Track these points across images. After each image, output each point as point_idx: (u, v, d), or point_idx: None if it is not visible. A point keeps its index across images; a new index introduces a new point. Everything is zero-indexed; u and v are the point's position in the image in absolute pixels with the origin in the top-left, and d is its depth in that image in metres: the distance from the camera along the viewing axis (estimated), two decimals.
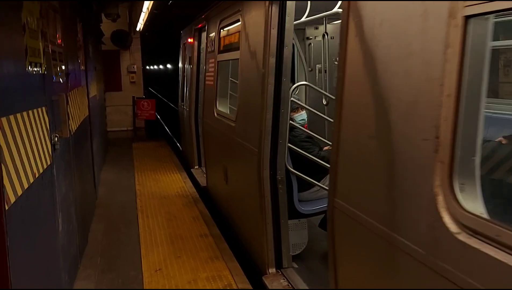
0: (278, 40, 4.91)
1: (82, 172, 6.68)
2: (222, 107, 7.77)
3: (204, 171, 10.37)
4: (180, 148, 14.55)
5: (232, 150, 6.60)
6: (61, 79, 5.00)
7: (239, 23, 6.29)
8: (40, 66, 3.87)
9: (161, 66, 40.44)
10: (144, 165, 12.14)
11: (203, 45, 10.85)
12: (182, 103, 12.72)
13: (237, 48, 6.31)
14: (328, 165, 5.17)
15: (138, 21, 15.47)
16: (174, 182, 10.26)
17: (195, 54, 10.93)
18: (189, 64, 11.46)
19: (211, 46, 8.34)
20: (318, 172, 5.65)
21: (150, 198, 8.98)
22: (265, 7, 4.98)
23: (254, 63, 5.46)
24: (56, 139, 4.19)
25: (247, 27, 5.81)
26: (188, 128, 11.51)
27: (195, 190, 9.47)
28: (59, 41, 5.05)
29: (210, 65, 8.33)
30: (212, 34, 8.22)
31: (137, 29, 16.51)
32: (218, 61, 7.77)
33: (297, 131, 5.54)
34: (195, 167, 11.23)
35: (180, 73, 13.67)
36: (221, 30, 7.56)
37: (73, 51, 6.38)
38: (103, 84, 15.40)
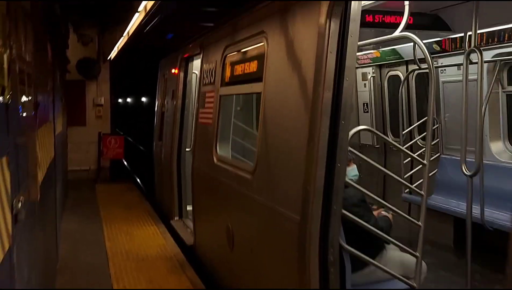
0: (336, 68, 3.66)
1: (46, 234, 5.13)
2: (226, 152, 6.42)
3: (189, 226, 8.89)
4: (149, 192, 13.08)
5: (245, 210, 5.23)
6: (28, 112, 3.55)
7: (261, 47, 5.04)
8: (3, 92, 2.45)
9: (131, 101, 38.62)
10: (113, 214, 10.51)
11: (190, 77, 9.61)
12: (160, 142, 11.27)
13: (258, 79, 5.03)
14: (388, 237, 3.95)
15: (109, 48, 14.06)
16: (152, 238, 8.70)
17: (181, 87, 9.60)
18: (172, 98, 10.09)
19: (209, 77, 7.03)
20: (372, 246, 4.36)
21: (125, 260, 7.40)
22: (318, 25, 3.75)
23: (293, 99, 4.18)
24: (19, 205, 2.72)
25: (277, 52, 4.56)
26: (168, 173, 10.05)
27: (179, 250, 7.95)
28: (28, 58, 3.61)
29: (208, 100, 7.00)
30: (212, 64, 6.93)
31: (108, 57, 15.06)
32: (221, 96, 6.45)
33: (348, 191, 4.23)
34: (175, 218, 9.72)
35: (157, 108, 12.26)
36: (227, 58, 6.29)
37: (43, 74, 4.95)
38: (65, 118, 13.79)
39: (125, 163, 18.46)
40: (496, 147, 7.86)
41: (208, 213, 6.93)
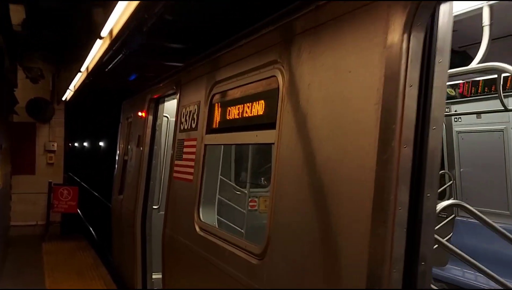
0: (419, 111, 2.35)
1: None
2: (212, 219, 4.98)
3: None
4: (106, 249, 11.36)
5: None
6: None
7: (272, 82, 3.73)
8: None
9: (87, 145, 36.57)
10: (61, 285, 8.76)
11: (160, 121, 8.18)
12: (121, 197, 9.67)
13: (267, 126, 3.69)
14: None
15: (65, 88, 12.54)
16: None
17: (148, 132, 8.15)
18: (137, 145, 8.61)
19: (189, 122, 5.64)
20: None
21: None
22: (386, 45, 2.45)
23: (337, 158, 2.82)
24: None
25: (304, 88, 3.24)
26: (129, 234, 8.45)
27: None
28: None
29: (187, 150, 5.59)
30: (193, 106, 5.56)
31: (63, 98, 13.50)
32: (206, 145, 5.06)
33: None
34: None
35: (119, 157, 10.71)
36: (215, 98, 4.94)
37: None
38: (10, 165, 12.03)
39: (80, 213, 16.68)
40: None
41: None
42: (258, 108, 3.92)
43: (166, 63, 8.88)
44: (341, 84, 2.80)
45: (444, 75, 2.36)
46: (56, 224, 13.60)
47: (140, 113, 8.62)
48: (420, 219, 2.32)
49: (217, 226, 4.95)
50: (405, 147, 2.30)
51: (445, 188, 7.72)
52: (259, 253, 3.56)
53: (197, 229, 4.94)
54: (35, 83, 10.04)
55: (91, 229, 17.29)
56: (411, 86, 2.32)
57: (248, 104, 4.11)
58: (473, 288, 6.84)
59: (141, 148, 8.26)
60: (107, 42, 5.70)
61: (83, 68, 8.41)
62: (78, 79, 9.99)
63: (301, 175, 3.14)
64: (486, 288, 6.56)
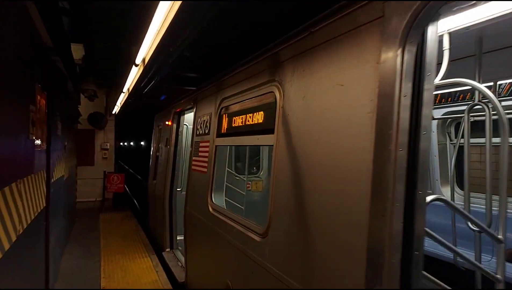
0: (412, 118, 1.76)
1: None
2: (221, 202, 4.36)
3: (180, 259, 6.65)
4: (144, 217, 10.67)
5: (250, 274, 3.16)
6: None
7: (269, 97, 3.11)
8: None
9: (131, 143, 35.49)
10: (111, 245, 8.05)
11: (181, 128, 7.52)
12: (154, 181, 8.98)
13: (267, 131, 3.07)
14: None
15: (113, 105, 11.76)
16: (146, 272, 6.37)
17: (173, 136, 7.49)
18: (166, 145, 7.93)
19: (203, 128, 5.01)
20: None
21: None
22: (394, 54, 1.85)
23: (330, 153, 2.22)
24: None
25: (301, 100, 2.64)
26: (160, 209, 7.79)
27: (171, 287, 5.68)
28: None
29: (202, 149, 4.96)
30: (206, 116, 4.93)
31: (113, 112, 12.71)
32: (216, 146, 4.43)
33: None
34: (167, 249, 7.43)
35: (152, 153, 10.00)
36: (223, 110, 4.31)
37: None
38: (75, 160, 11.25)
39: (127, 189, 15.85)
40: (446, 190, 6.20)
41: (202, 259, 4.78)
42: (258, 117, 3.30)
43: (185, 87, 8.21)
44: (335, 95, 2.20)
45: (431, 86, 1.77)
46: (109, 200, 12.80)
47: (167, 122, 7.95)
48: (413, 213, 1.73)
49: (225, 207, 4.32)
50: (400, 150, 1.71)
51: None
52: (262, 232, 2.95)
53: (210, 209, 4.32)
54: (91, 101, 9.29)
55: (135, 201, 16.50)
56: (405, 96, 1.73)
57: (250, 114, 3.49)
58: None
59: (168, 147, 7.60)
60: (141, 70, 5.02)
61: (125, 90, 7.67)
62: (122, 98, 9.23)
63: (297, 170, 2.53)
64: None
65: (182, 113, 7.30)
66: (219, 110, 4.39)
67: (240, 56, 3.99)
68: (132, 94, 8.18)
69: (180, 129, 7.43)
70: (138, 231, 9.55)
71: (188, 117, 7.67)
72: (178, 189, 7.61)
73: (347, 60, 2.07)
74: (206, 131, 4.81)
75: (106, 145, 13.07)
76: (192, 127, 5.63)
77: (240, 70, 3.84)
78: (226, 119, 4.16)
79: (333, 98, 2.20)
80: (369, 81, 1.88)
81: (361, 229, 1.82)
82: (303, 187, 2.43)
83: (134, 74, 5.38)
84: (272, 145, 2.92)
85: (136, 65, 4.77)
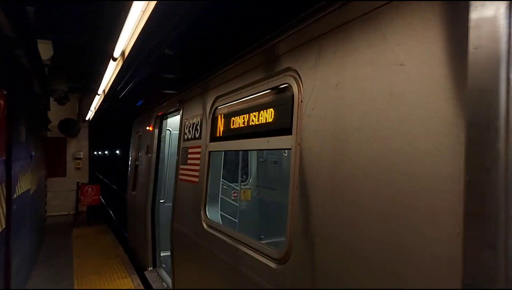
0: None
1: None
2: (216, 217, 3.74)
3: (163, 279, 5.95)
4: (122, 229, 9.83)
5: None
6: None
7: (285, 88, 2.55)
8: None
9: (107, 152, 33.98)
10: (85, 265, 7.23)
11: (164, 133, 6.85)
12: (134, 192, 8.22)
13: (280, 132, 2.51)
14: None
15: (87, 111, 10.93)
16: None
17: (155, 142, 6.81)
18: (146, 153, 7.23)
19: (192, 132, 4.40)
20: None
21: None
22: (495, 15, 1.27)
23: (383, 158, 1.68)
24: None
25: (333, 87, 2.07)
26: (142, 223, 7.06)
27: None
28: None
29: (192, 156, 4.33)
30: (196, 118, 4.32)
31: (87, 118, 11.83)
32: (210, 152, 3.83)
33: None
34: (149, 268, 6.70)
35: (131, 162, 9.23)
36: (218, 111, 3.72)
37: None
38: (45, 171, 10.29)
39: (102, 200, 14.85)
40: None
41: (194, 283, 4.12)
42: (267, 116, 2.73)
43: (166, 91, 7.54)
44: (390, 79, 1.66)
45: None
46: (83, 214, 11.85)
47: (148, 128, 7.26)
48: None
49: (225, 226, 3.71)
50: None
51: None
52: (279, 257, 2.37)
53: (205, 226, 3.70)
54: (62, 105, 8.45)
55: (111, 212, 15.52)
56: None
57: (255, 112, 2.92)
58: None
59: (150, 155, 6.90)
60: (119, 65, 4.38)
61: (100, 91, 6.94)
62: (97, 101, 8.46)
63: (332, 180, 1.97)
64: None
65: (164, 116, 6.65)
66: (212, 110, 3.80)
67: (237, 47, 3.43)
68: (109, 96, 7.45)
69: (162, 135, 6.77)
70: (116, 247, 8.73)
71: (172, 122, 7.01)
72: (161, 201, 6.92)
73: (412, 29, 1.55)
74: (197, 135, 4.20)
75: (79, 154, 12.15)
76: (178, 131, 5.00)
77: (240, 61, 3.28)
78: (222, 120, 3.58)
79: (386, 84, 1.67)
80: (452, 53, 1.37)
81: (451, 266, 1.28)
82: (342, 203, 1.88)
83: (111, 71, 4.72)
84: (290, 149, 2.36)
85: (114, 59, 4.13)
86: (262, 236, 7.18)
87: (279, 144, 2.54)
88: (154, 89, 8.64)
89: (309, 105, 2.21)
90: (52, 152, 11.60)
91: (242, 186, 6.82)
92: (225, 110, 3.54)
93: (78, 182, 11.52)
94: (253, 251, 2.70)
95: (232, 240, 3.05)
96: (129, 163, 9.51)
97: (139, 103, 10.96)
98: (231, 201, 6.42)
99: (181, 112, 4.98)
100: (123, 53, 3.93)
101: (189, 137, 4.48)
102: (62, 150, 12.01)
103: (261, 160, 7.68)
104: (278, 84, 2.59)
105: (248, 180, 7.06)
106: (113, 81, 5.70)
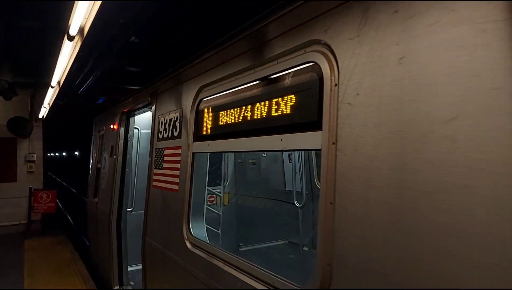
0: None
1: None
2: (203, 234, 3.05)
3: None
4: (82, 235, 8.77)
5: None
6: None
7: (309, 68, 1.92)
8: None
9: (65, 153, 31.73)
10: (39, 283, 6.21)
11: (132, 132, 6.01)
12: (96, 199, 7.27)
13: (301, 126, 1.88)
14: None
15: (40, 108, 9.73)
16: None
17: (121, 142, 5.95)
18: (110, 154, 6.34)
19: (169, 130, 3.65)
20: None
21: None
22: None
23: (478, 155, 1.10)
24: None
25: (396, 62, 1.46)
26: (106, 234, 6.18)
27: None
28: None
29: (169, 158, 3.59)
30: (173, 114, 3.58)
31: (40, 116, 10.58)
32: (194, 153, 3.12)
33: None
34: (115, 287, 5.84)
35: (92, 165, 8.23)
36: (203, 103, 3.02)
37: None
38: None
39: (59, 204, 13.54)
40: None
41: None
42: (282, 107, 2.07)
43: (131, 87, 6.65)
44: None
45: None
46: (37, 222, 10.59)
47: (112, 126, 6.37)
48: None
49: (208, 242, 3.01)
50: None
51: None
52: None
53: (188, 245, 2.99)
54: (8, 99, 7.31)
55: (69, 218, 14.24)
56: None
57: (261, 102, 2.25)
58: None
59: (114, 157, 6.03)
60: (77, 48, 3.54)
61: (54, 83, 5.96)
62: (51, 95, 7.40)
63: (399, 195, 1.36)
64: None
65: (131, 113, 5.82)
66: (196, 103, 3.10)
67: (231, 20, 2.73)
68: (65, 91, 6.47)
69: (129, 134, 5.93)
70: (75, 261, 7.72)
71: (141, 119, 6.19)
72: (128, 209, 6.08)
73: None
74: (175, 134, 3.47)
75: (32, 156, 10.87)
76: (150, 130, 4.22)
77: (236, 40, 2.60)
78: (211, 114, 2.89)
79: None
80: None
81: None
82: (417, 232, 1.27)
83: (67, 55, 3.87)
84: (319, 149, 1.73)
85: (71, 38, 3.30)
86: (240, 243, 6.59)
87: (300, 143, 1.90)
88: (118, 84, 7.69)
89: (350, 90, 1.59)
90: (1, 154, 10.29)
91: (217, 190, 6.13)
92: (215, 101, 2.85)
93: (30, 188, 10.26)
94: (262, 284, 2.04)
95: (230, 266, 2.38)
96: (90, 165, 8.51)
97: (101, 100, 9.92)
98: (215, 210, 5.73)
99: (153, 107, 4.21)
100: (81, 30, 3.12)
101: (165, 136, 3.73)
102: (12, 152, 10.67)
103: (239, 161, 7.04)
104: (297, 63, 1.95)
105: (226, 183, 6.39)
106: (70, 71, 4.79)
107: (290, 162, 7.99)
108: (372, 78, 1.50)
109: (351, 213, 1.55)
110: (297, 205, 5.37)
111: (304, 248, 7.10)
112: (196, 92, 3.11)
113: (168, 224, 3.43)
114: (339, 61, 1.67)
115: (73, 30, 3.10)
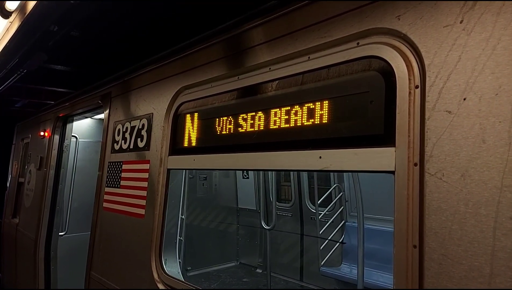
0: None
1: None
2: (175, 268, 2.37)
3: None
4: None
5: None
6: None
7: (368, 64, 1.44)
8: None
9: None
10: None
11: (68, 141, 4.99)
12: (16, 220, 5.91)
13: (354, 140, 1.39)
14: None
15: None
16: None
17: (54, 153, 4.88)
18: (39, 167, 5.18)
19: (130, 141, 2.91)
20: None
21: None
22: None
23: None
24: None
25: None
26: (30, 264, 4.97)
27: None
28: None
29: (129, 175, 2.84)
30: (136, 121, 2.85)
31: None
32: (170, 170, 2.45)
33: None
34: None
35: (11, 179, 6.79)
36: (185, 106, 2.38)
37: None
38: None
39: None
40: None
41: None
42: (318, 112, 1.56)
43: (62, 89, 5.54)
44: None
45: None
46: None
47: (42, 133, 5.24)
48: None
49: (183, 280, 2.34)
50: None
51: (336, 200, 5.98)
52: None
53: (161, 287, 2.29)
54: None
55: None
56: None
57: (278, 109, 1.72)
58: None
59: (45, 170, 4.92)
60: (14, 27, 2.63)
61: None
62: None
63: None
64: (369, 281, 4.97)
65: (69, 119, 4.82)
66: (174, 108, 2.45)
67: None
68: None
69: (65, 143, 4.90)
70: None
71: (80, 125, 5.20)
72: (61, 234, 5.00)
73: None
74: (141, 145, 2.75)
75: None
76: (102, 139, 3.39)
77: (249, 26, 2.02)
78: (198, 121, 2.26)
79: None
80: None
81: None
82: None
83: None
84: (390, 172, 1.26)
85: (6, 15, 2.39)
86: (189, 268, 5.92)
87: (353, 164, 1.40)
88: (46, 86, 6.46)
89: (450, 93, 1.15)
90: None
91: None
92: (206, 106, 2.24)
93: None
94: None
95: None
96: (8, 179, 7.03)
97: (18, 104, 8.37)
98: None
99: (107, 111, 3.39)
100: (22, 7, 2.27)
101: (124, 147, 2.97)
102: None
103: (190, 176, 6.37)
104: (344, 59, 1.47)
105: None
106: None
107: (244, 177, 7.48)
108: (488, 79, 1.08)
109: (451, 261, 1.09)
110: (265, 227, 4.86)
111: (258, 270, 6.59)
112: (174, 94, 2.46)
113: (129, 258, 2.67)
114: (424, 56, 1.23)
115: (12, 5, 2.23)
